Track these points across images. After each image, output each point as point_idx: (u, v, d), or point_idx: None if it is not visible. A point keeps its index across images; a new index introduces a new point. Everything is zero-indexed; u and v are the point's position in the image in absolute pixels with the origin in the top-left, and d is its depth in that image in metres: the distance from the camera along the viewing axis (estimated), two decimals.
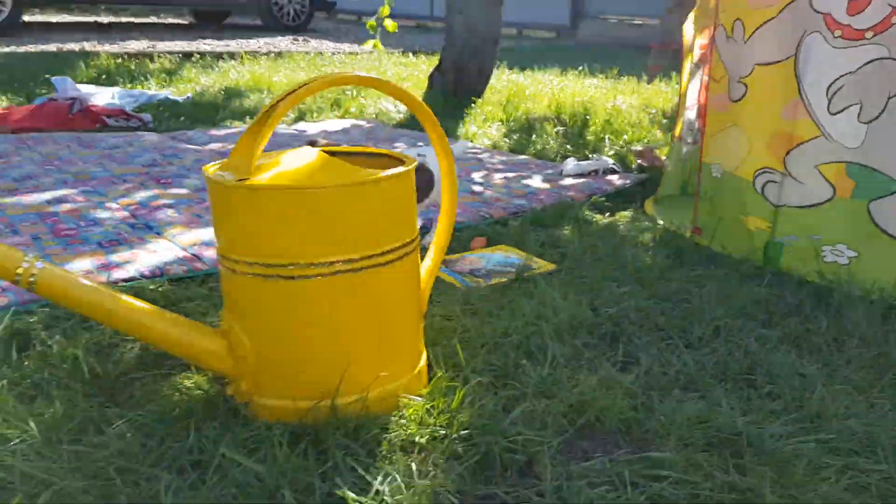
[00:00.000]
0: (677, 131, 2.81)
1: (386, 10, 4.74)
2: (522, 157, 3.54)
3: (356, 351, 1.26)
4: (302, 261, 1.19)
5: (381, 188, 1.22)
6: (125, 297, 1.22)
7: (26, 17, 6.93)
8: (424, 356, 1.45)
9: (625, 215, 2.62)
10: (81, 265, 1.85)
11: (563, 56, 7.79)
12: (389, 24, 4.73)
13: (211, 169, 1.23)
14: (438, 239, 1.51)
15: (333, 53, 7.19)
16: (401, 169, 1.25)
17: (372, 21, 4.76)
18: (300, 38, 8.37)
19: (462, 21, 4.51)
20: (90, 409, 1.29)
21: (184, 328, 1.26)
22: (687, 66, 2.74)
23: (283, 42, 7.83)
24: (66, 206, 2.32)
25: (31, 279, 1.11)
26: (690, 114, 2.67)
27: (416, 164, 1.29)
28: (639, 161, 3.39)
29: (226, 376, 1.31)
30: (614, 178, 3.10)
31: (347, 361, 1.25)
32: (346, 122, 4.22)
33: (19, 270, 1.10)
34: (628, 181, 3.04)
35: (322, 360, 1.26)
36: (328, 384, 1.26)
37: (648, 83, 4.15)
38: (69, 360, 1.42)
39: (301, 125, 4.12)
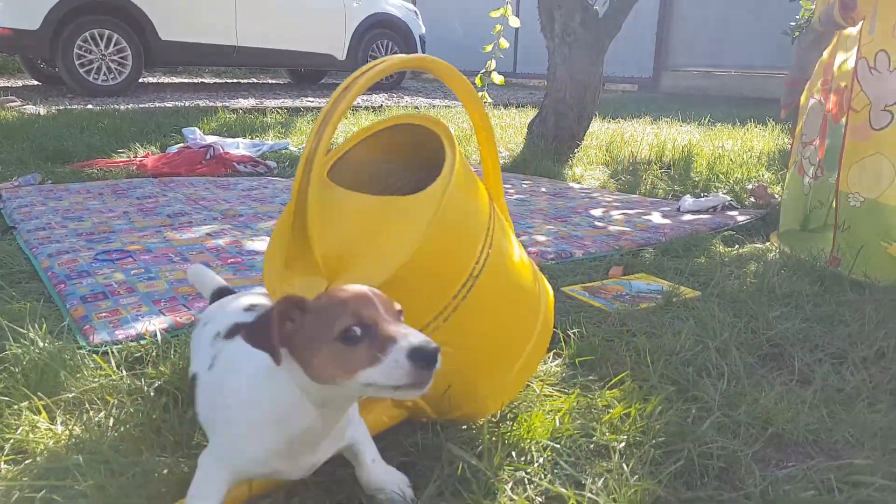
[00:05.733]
0: (792, 165, 2.81)
1: (492, 65, 4.92)
2: (634, 196, 3.58)
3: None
4: None
5: None
6: None
7: (139, 79, 7.42)
8: None
9: (756, 247, 2.62)
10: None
11: (651, 106, 7.85)
12: (497, 78, 4.90)
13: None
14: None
15: (430, 107, 7.43)
16: None
17: (481, 75, 4.94)
18: (395, 95, 8.68)
19: (565, 70, 4.63)
20: None
21: None
22: (809, 102, 2.75)
23: (379, 98, 8.14)
24: (225, 239, 2.48)
25: None
26: (811, 149, 2.67)
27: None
28: (752, 198, 3.41)
29: None
30: (734, 213, 3.12)
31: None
32: None
33: None
34: (750, 216, 3.04)
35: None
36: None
37: (784, 119, 4.18)
38: None
39: None
